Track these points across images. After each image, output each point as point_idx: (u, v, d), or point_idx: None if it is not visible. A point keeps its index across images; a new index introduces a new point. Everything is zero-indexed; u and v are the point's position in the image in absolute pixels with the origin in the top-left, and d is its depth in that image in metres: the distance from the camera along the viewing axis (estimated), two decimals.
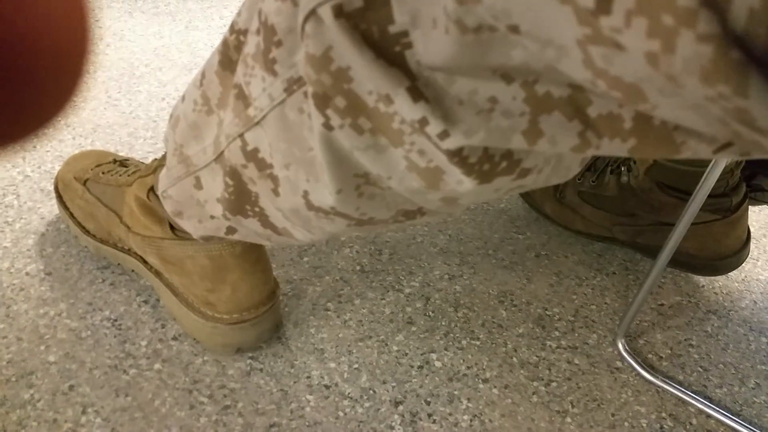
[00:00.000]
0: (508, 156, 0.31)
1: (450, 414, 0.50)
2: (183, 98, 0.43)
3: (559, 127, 0.29)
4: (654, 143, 0.28)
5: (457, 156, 0.30)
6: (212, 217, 0.44)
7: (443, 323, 0.58)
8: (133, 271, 0.58)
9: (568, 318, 0.61)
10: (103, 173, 0.59)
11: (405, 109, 0.29)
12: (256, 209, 0.41)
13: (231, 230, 0.44)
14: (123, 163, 0.61)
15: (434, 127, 0.29)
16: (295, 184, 0.37)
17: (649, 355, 0.58)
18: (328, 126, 0.32)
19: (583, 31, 0.23)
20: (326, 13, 0.28)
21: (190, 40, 1.02)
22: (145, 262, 0.55)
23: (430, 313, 0.59)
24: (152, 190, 0.51)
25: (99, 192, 0.58)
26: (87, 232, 0.58)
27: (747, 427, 0.52)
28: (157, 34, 1.02)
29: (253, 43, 0.34)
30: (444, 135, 0.30)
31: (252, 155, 0.37)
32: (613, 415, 0.52)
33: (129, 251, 0.56)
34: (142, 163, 0.60)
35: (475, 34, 0.26)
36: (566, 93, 0.28)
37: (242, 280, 0.50)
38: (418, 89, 0.29)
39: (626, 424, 0.51)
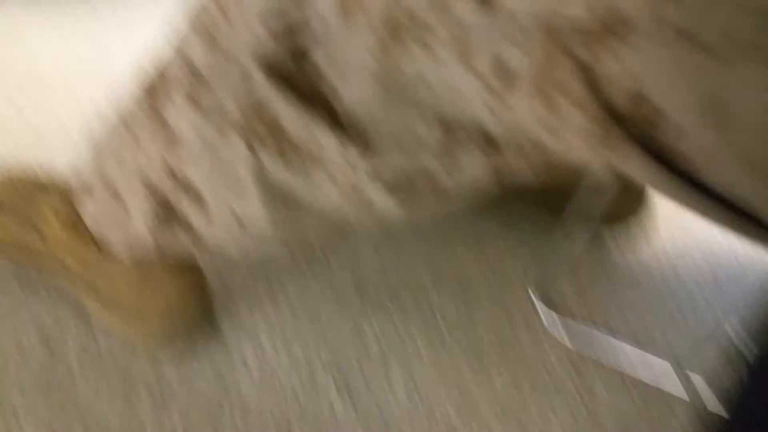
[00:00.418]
0: (427, 176, 0.36)
1: (386, 379, 0.53)
2: (104, 120, 0.44)
3: (469, 154, 0.34)
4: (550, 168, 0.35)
5: (379, 179, 0.34)
6: (141, 239, 0.44)
7: (370, 291, 0.61)
8: (55, 277, 0.57)
9: (486, 275, 0.65)
10: (14, 187, 0.57)
11: (330, 141, 0.33)
12: (188, 232, 0.42)
13: (161, 250, 0.45)
14: (38, 177, 0.59)
15: (356, 154, 0.34)
16: (226, 209, 0.39)
17: (561, 303, 0.64)
18: (257, 159, 0.35)
19: (490, 102, 0.29)
20: (254, 68, 0.32)
21: (96, 36, 0.98)
22: (65, 265, 0.54)
23: (358, 283, 0.62)
24: (74, 205, 0.50)
25: (12, 205, 0.56)
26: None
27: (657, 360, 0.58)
28: (58, 28, 0.98)
29: (178, 80, 0.36)
30: (365, 159, 0.34)
31: (183, 183, 0.39)
32: (531, 368, 0.57)
33: (49, 256, 0.55)
34: (60, 179, 0.58)
35: (393, 87, 0.31)
36: (474, 129, 0.33)
37: (170, 270, 0.50)
38: (340, 123, 0.33)
39: (546, 376, 0.56)
